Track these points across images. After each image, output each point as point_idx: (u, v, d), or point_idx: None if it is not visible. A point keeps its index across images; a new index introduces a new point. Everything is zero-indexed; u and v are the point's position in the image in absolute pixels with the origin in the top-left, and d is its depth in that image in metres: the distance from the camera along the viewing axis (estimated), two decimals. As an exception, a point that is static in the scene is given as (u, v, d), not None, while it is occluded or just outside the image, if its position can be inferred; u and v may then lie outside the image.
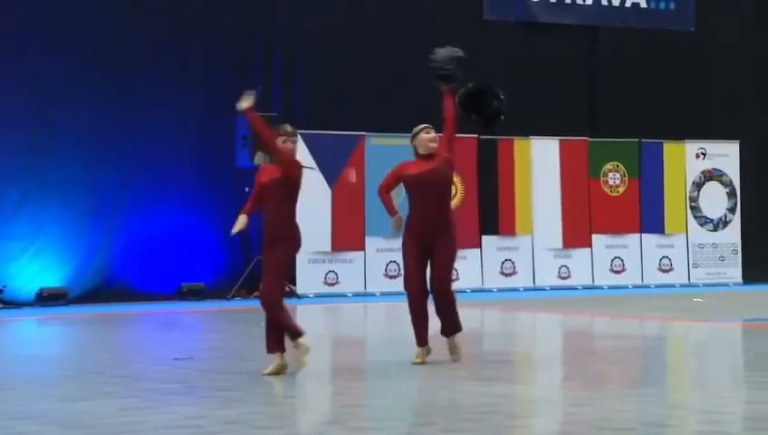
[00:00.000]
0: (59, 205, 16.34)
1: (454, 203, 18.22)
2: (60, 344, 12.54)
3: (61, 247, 16.38)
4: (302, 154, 17.17)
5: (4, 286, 15.99)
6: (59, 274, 16.34)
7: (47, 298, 15.98)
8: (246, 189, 17.52)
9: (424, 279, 9.33)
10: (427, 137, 9.58)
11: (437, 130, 9.43)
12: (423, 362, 9.29)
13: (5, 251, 16.14)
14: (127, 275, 16.49)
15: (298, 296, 16.93)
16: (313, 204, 17.24)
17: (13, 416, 7.10)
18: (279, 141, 8.79)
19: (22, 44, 16.08)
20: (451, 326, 9.48)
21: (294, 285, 17.06)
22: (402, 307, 15.86)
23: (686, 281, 19.66)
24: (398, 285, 17.78)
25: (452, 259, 9.45)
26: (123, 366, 8.28)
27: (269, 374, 8.54)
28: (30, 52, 16.13)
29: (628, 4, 19.99)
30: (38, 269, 16.28)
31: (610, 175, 19.25)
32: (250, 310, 15.38)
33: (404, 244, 9.32)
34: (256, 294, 16.78)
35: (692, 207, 19.84)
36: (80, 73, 16.32)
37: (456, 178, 18.21)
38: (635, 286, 19.00)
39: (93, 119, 16.33)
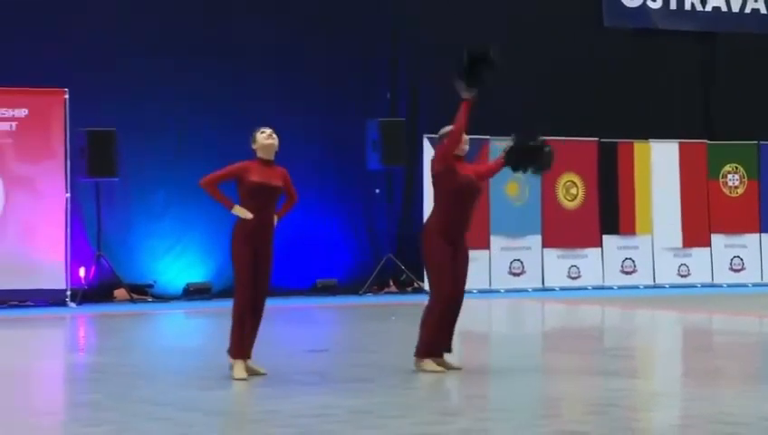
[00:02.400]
0: (202, 206, 16.54)
1: (576, 204, 18.21)
2: (203, 337, 12.75)
3: (205, 245, 16.62)
4: (429, 158, 17.19)
5: (154, 282, 16.29)
6: (203, 270, 16.58)
7: (193, 293, 16.23)
8: (377, 191, 17.62)
9: None
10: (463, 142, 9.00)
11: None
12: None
13: (154, 249, 16.43)
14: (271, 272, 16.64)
15: (425, 292, 16.90)
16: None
17: (159, 403, 7.24)
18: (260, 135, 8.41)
19: (162, 52, 16.34)
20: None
21: (422, 281, 17.07)
22: (526, 304, 15.86)
23: (805, 279, 19.19)
24: (522, 281, 17.82)
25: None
26: (260, 358, 8.37)
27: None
28: (171, 61, 16.40)
29: (747, 11, 19.57)
30: (184, 266, 16.54)
31: (729, 176, 18.88)
32: (380, 306, 15.46)
33: (439, 248, 8.45)
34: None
35: (811, 207, 19.35)
36: (213, 79, 16.52)
37: (577, 180, 18.08)
38: (754, 285, 18.59)
39: (232, 123, 16.53)
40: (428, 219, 8.68)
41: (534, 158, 8.84)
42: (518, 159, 8.88)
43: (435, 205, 8.61)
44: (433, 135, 16.95)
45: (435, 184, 8.66)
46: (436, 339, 8.43)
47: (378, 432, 6.11)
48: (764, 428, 6.15)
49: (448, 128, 8.75)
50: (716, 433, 6.02)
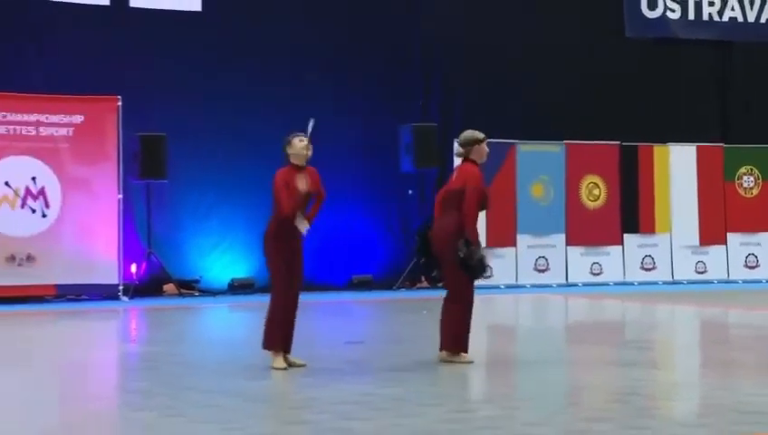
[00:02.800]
0: (246, 206, 16.61)
1: (598, 204, 18.13)
2: (246, 329, 12.74)
3: (248, 243, 16.64)
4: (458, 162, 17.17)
5: (201, 277, 16.34)
6: (247, 266, 16.61)
7: (237, 287, 16.27)
8: (410, 192, 17.60)
9: None
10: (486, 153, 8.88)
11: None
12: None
13: (201, 246, 16.49)
14: (306, 267, 16.63)
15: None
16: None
17: (206, 390, 7.26)
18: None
19: (209, 60, 16.39)
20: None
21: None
22: (551, 298, 15.80)
23: (818, 276, 19.02)
24: (547, 277, 17.75)
25: None
26: (300, 349, 8.37)
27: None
28: (218, 69, 16.45)
29: (762, 21, 19.43)
30: (229, 262, 16.59)
31: (745, 178, 18.74)
32: (413, 300, 15.45)
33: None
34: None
35: (823, 207, 19.18)
36: (257, 86, 16.53)
37: (599, 181, 17.99)
38: (768, 281, 18.50)
39: (274, 127, 16.54)
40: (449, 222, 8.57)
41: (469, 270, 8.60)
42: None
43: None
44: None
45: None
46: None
47: (417, 420, 6.09)
48: (780, 416, 6.09)
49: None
50: (734, 421, 5.96)
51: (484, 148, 8.83)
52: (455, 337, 8.36)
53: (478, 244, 8.41)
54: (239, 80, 16.48)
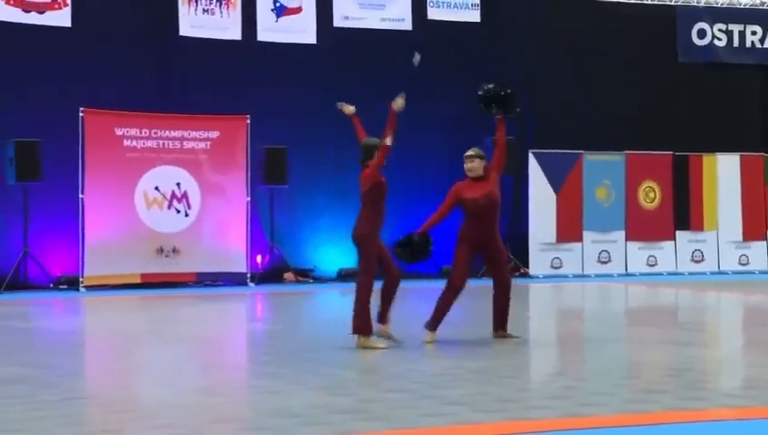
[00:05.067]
0: (352, 207, 16.56)
1: (653, 205, 17.79)
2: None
3: (354, 238, 16.71)
4: (533, 169, 17.01)
5: (315, 267, 16.44)
6: (353, 258, 16.56)
7: (345, 276, 16.30)
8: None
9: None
10: (466, 167, 8.38)
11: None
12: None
13: (316, 241, 16.59)
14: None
15: (530, 277, 16.74)
16: (543, 206, 17.09)
17: (321, 362, 7.29)
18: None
19: (323, 82, 16.48)
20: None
21: (528, 267, 16.91)
22: (612, 287, 15.56)
23: None
24: (609, 268, 17.47)
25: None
26: (396, 328, 8.35)
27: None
28: (328, 89, 16.53)
29: (798, 47, 18.98)
30: (338, 254, 16.65)
31: (783, 183, 18.30)
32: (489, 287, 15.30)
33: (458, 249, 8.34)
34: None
35: None
36: (364, 101, 16.49)
37: (655, 186, 17.67)
38: (804, 272, 18.00)
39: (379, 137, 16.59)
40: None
41: (503, 102, 8.28)
42: (488, 103, 8.28)
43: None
44: (537, 150, 16.87)
45: None
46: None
47: (498, 389, 6.03)
48: (818, 390, 5.89)
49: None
50: (776, 394, 5.79)
51: (465, 166, 8.36)
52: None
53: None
54: (344, 99, 16.41)
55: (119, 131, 14.93)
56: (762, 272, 17.77)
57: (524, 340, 8.31)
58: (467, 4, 17.29)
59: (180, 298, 13.54)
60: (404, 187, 16.91)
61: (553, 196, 17.12)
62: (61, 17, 15.14)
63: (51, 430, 4.97)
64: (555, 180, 17.16)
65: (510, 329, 8.41)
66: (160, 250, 14.93)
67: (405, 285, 8.72)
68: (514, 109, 8.29)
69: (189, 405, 5.71)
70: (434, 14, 17.13)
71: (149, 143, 15.08)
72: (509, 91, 8.20)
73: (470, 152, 8.41)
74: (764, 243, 18.08)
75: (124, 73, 15.43)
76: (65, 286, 14.55)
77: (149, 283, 14.67)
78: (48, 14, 15.11)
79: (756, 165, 18.15)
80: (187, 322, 10.93)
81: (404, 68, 15.37)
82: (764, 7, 18.90)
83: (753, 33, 18.77)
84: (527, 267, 16.92)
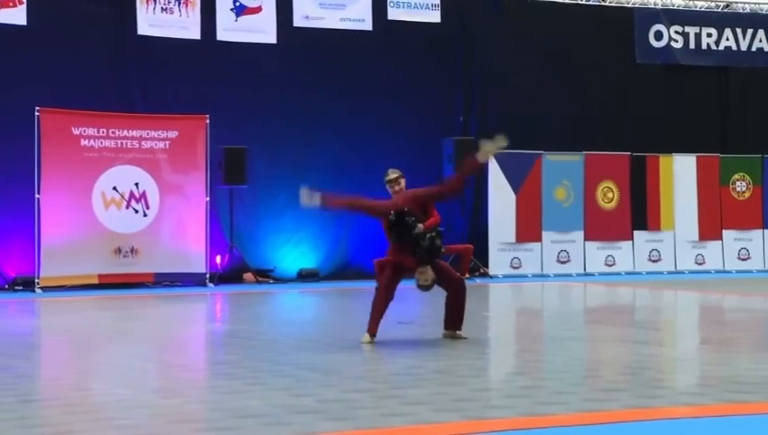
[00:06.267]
0: (312, 209, 16.67)
1: (612, 205, 17.95)
2: (314, 311, 12.81)
3: (314, 239, 16.71)
4: (493, 169, 17.10)
5: (275, 267, 16.40)
6: (313, 258, 16.66)
7: (304, 276, 16.31)
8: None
9: None
10: (390, 190, 8.53)
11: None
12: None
13: (275, 241, 16.55)
14: (361, 259, 16.67)
15: (490, 277, 16.83)
16: (502, 206, 17.18)
17: (281, 362, 7.28)
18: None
19: (284, 83, 16.46)
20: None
21: (488, 267, 16.99)
22: (572, 286, 15.70)
23: (801, 267, 18.73)
24: (568, 268, 17.61)
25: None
26: (360, 329, 8.37)
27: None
28: (291, 90, 16.52)
29: (753, 49, 19.22)
30: (298, 254, 16.62)
31: (738, 183, 18.50)
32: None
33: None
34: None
35: (805, 208, 18.90)
36: (324, 102, 16.57)
37: (613, 186, 17.85)
38: (758, 271, 18.19)
39: (337, 141, 16.63)
40: None
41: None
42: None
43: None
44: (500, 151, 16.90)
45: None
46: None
47: (458, 388, 6.07)
48: (772, 388, 6.00)
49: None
50: (731, 391, 5.89)
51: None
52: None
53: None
54: (304, 100, 16.53)
55: (76, 131, 14.79)
56: (717, 271, 18.02)
57: (484, 339, 8.36)
58: (428, 5, 17.35)
59: (139, 299, 13.45)
60: (367, 187, 16.91)
61: (513, 196, 17.23)
62: (16, 15, 14.97)
63: (9, 432, 4.93)
64: (515, 181, 17.28)
65: (469, 329, 8.46)
66: (118, 250, 14.82)
67: (372, 286, 8.70)
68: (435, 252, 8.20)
69: (149, 406, 5.68)
70: (394, 14, 17.16)
71: (107, 143, 14.96)
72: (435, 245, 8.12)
73: (394, 175, 8.55)
74: (720, 243, 18.33)
75: (81, 72, 15.29)
76: (21, 287, 14.39)
77: (107, 283, 14.56)
78: (3, 11, 14.93)
79: (712, 166, 18.40)
80: (146, 322, 10.86)
81: (367, 68, 15.39)
82: (719, 10, 19.17)
83: (709, 35, 19.02)
84: (487, 267, 17.01)
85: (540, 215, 17.32)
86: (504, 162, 17.13)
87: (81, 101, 14.92)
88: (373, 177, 17.22)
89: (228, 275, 15.75)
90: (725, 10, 19.17)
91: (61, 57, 15.19)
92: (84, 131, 14.82)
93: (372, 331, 8.15)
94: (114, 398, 6.01)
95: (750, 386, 6.02)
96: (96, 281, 14.58)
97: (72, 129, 14.75)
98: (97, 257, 14.60)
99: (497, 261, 17.12)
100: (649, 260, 17.98)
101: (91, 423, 5.17)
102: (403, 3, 17.23)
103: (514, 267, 17.24)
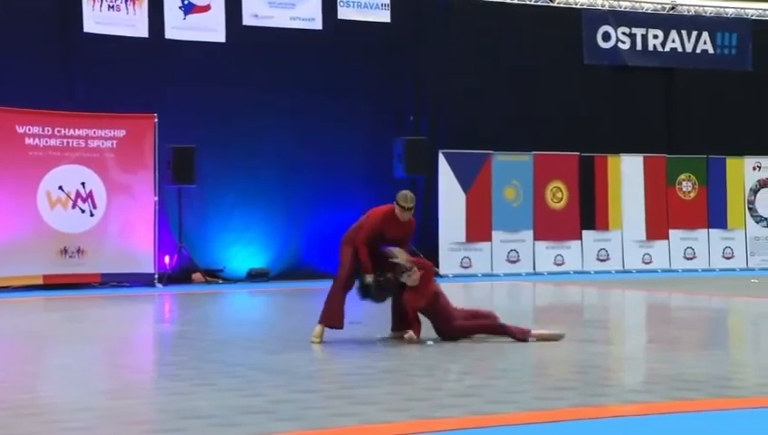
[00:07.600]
0: (262, 206, 16.65)
1: (561, 205, 18.13)
2: (264, 311, 12.78)
3: (264, 238, 16.66)
4: (443, 168, 17.19)
5: (224, 267, 16.32)
6: (263, 257, 16.61)
7: (254, 276, 16.26)
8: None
9: None
10: (400, 213, 8.80)
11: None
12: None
13: (224, 241, 16.48)
14: (312, 259, 16.66)
15: (440, 276, 16.90)
16: (452, 206, 17.27)
17: (231, 363, 7.26)
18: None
19: (233, 82, 16.41)
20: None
21: (438, 267, 17.08)
22: (521, 285, 15.84)
23: (745, 266, 19.00)
24: (517, 267, 17.76)
25: None
26: (309, 329, 8.38)
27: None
28: (240, 89, 16.46)
29: (698, 51, 19.52)
30: (248, 254, 16.57)
31: (684, 183, 18.78)
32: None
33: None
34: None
35: (749, 209, 19.18)
36: (273, 101, 16.53)
37: (562, 186, 18.03)
38: (703, 270, 18.48)
39: (287, 141, 16.61)
40: None
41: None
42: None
43: None
44: (447, 150, 17.04)
45: None
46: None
47: (407, 388, 6.10)
48: (717, 385, 6.11)
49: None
50: (676, 388, 5.99)
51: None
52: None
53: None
54: (254, 99, 16.48)
55: (20, 129, 14.59)
56: (664, 270, 18.27)
57: (434, 339, 8.40)
58: (378, 5, 17.39)
59: (85, 299, 13.31)
60: (318, 187, 16.95)
61: (463, 196, 17.33)
62: (-41, 11, 14.74)
63: (-48, 437, 4.87)
64: (465, 180, 17.37)
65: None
66: (64, 251, 14.66)
67: (320, 286, 8.71)
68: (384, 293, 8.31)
69: (97, 408, 5.64)
70: (344, 13, 17.17)
71: (53, 141, 14.78)
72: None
73: (412, 204, 8.70)
74: (666, 242, 18.60)
75: (26, 70, 15.09)
76: (-36, 289, 14.16)
77: (53, 284, 14.39)
78: (-55, 7, 14.69)
79: (658, 166, 18.65)
80: (93, 323, 10.76)
81: (317, 68, 15.37)
82: (665, 12, 19.45)
83: (655, 36, 19.29)
84: (437, 267, 17.07)
85: (490, 214, 17.45)
86: (454, 162, 17.24)
87: (25, 99, 14.72)
88: (323, 177, 17.33)
89: (177, 276, 15.65)
90: (671, 12, 19.46)
91: (5, 54, 14.98)
92: (29, 130, 14.64)
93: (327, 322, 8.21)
94: (62, 400, 5.96)
95: (695, 383, 6.13)
96: (41, 282, 14.41)
97: (17, 127, 14.56)
98: (42, 258, 14.42)
99: (447, 260, 17.21)
100: (598, 259, 18.19)
101: (39, 426, 5.13)
102: (353, 2, 17.25)
103: (464, 267, 17.34)
